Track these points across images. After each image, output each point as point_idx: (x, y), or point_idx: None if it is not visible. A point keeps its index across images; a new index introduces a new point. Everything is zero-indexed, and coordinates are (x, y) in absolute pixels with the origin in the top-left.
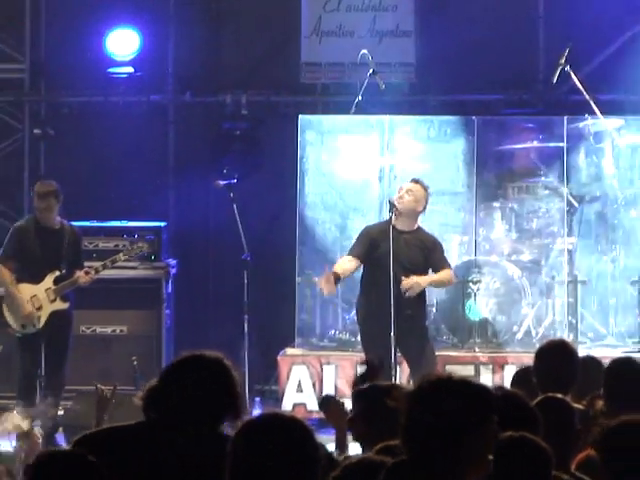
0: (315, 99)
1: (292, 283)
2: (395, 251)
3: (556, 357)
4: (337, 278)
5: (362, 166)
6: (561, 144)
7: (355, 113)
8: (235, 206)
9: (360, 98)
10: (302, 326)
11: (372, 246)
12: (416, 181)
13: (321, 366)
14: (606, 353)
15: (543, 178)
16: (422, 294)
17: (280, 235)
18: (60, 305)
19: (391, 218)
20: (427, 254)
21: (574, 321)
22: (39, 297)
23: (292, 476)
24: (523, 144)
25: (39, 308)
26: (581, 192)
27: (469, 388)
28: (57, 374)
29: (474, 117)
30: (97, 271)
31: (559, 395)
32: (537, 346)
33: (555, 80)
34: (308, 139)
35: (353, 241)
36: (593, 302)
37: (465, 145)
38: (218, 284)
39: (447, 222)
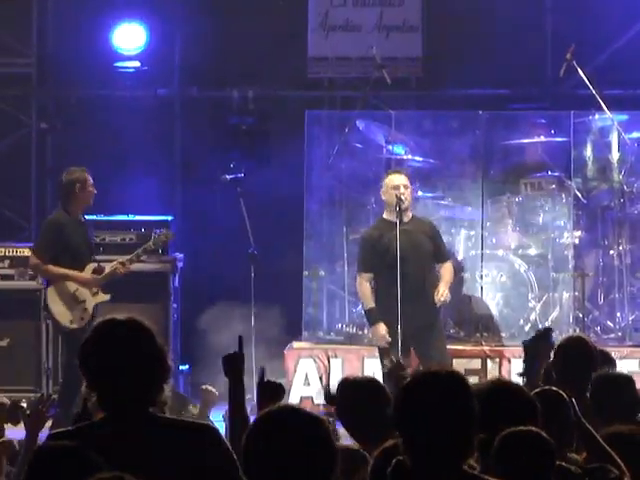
0: (322, 94)
1: (299, 277)
2: (402, 247)
3: (576, 353)
4: (378, 315)
5: (369, 160)
6: (568, 139)
7: (362, 108)
8: (242, 200)
9: (367, 93)
10: (309, 320)
11: (378, 252)
12: (399, 172)
13: (328, 359)
14: (613, 347)
15: (550, 172)
16: (433, 292)
17: (287, 229)
18: (103, 297)
19: (397, 215)
20: (433, 240)
21: (580, 315)
22: (82, 290)
23: (311, 471)
24: (530, 139)
25: (83, 301)
26: (587, 186)
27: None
28: None
29: (481, 112)
30: (132, 262)
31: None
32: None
33: (562, 75)
34: (315, 134)
35: (360, 255)
36: (599, 296)
37: (472, 140)
38: (225, 278)
39: (454, 216)
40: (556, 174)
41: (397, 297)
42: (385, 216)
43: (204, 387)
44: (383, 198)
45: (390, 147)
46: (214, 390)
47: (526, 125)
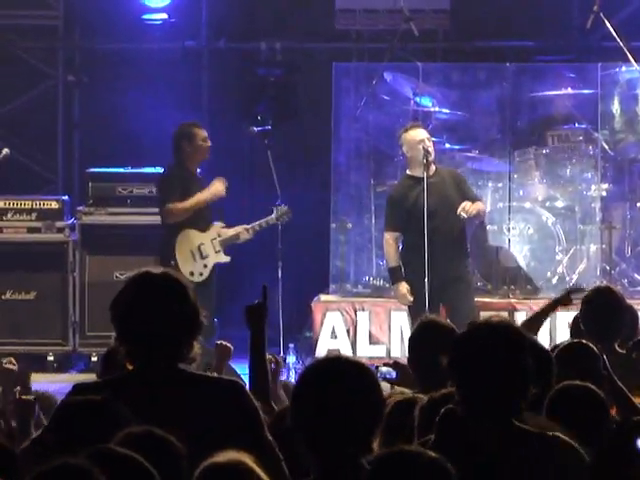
0: (349, 46)
1: (326, 229)
2: (429, 201)
3: (603, 305)
4: (401, 274)
5: (396, 112)
6: (595, 91)
7: (389, 60)
8: (269, 153)
9: (394, 45)
10: (336, 272)
11: (406, 209)
12: (419, 125)
13: (355, 312)
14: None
15: (577, 125)
16: (464, 246)
17: (314, 181)
18: (224, 258)
19: (425, 168)
20: (459, 188)
21: (608, 267)
22: (207, 246)
23: (360, 420)
24: (557, 91)
25: (206, 257)
26: (614, 138)
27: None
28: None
29: (508, 64)
30: (254, 230)
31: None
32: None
33: (589, 27)
34: (342, 86)
35: (386, 214)
36: (627, 248)
37: (499, 92)
38: None
39: (481, 168)
40: (583, 126)
41: (425, 252)
42: (409, 172)
43: (218, 342)
44: (408, 155)
45: (417, 99)
46: (229, 344)
47: (553, 77)
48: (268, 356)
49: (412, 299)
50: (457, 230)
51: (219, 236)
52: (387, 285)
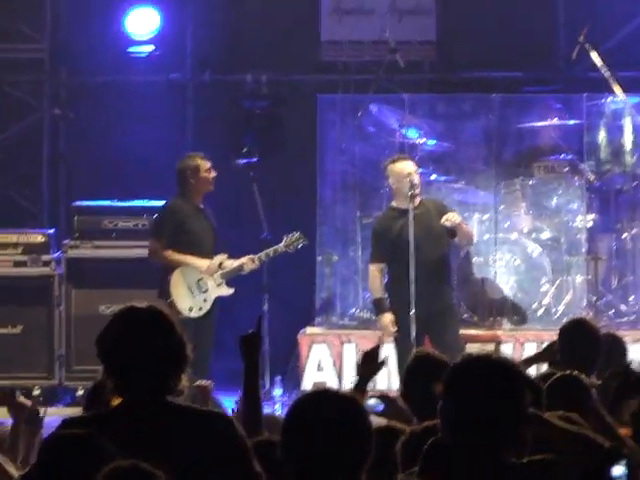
0: (335, 78)
1: (312, 262)
2: (414, 233)
3: (579, 336)
4: (385, 305)
5: (382, 144)
6: (581, 121)
7: (375, 92)
8: (255, 185)
9: (380, 76)
10: (322, 305)
11: (390, 241)
12: (406, 158)
13: (341, 344)
14: (626, 331)
15: (563, 155)
16: (449, 277)
17: (300, 214)
18: (227, 290)
19: (410, 200)
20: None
21: (594, 299)
22: (206, 279)
23: (349, 451)
24: (543, 122)
25: (206, 291)
26: (600, 169)
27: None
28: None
29: (494, 95)
30: (260, 260)
31: (575, 372)
32: (557, 324)
33: (575, 57)
34: (328, 118)
35: (371, 245)
36: (613, 279)
37: (485, 123)
38: None
39: (467, 200)
40: (569, 157)
41: (410, 284)
42: (395, 204)
43: (196, 383)
44: (394, 186)
45: (403, 131)
46: (207, 383)
47: (539, 108)
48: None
49: (396, 330)
50: (442, 261)
51: (221, 268)
52: (374, 317)
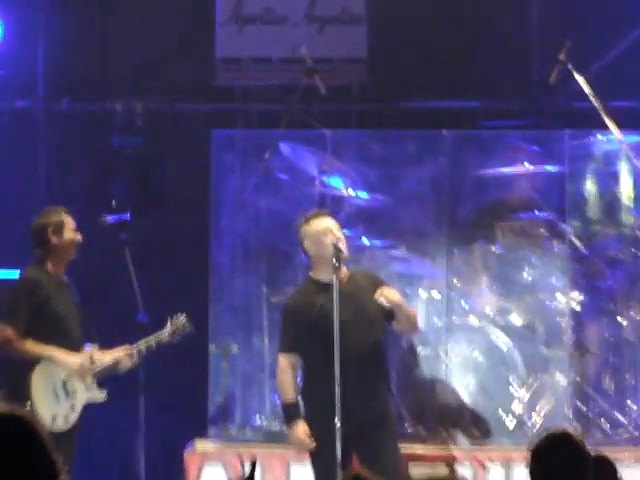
0: (234, 107)
1: (204, 353)
2: (341, 317)
3: (558, 458)
4: (299, 412)
5: (297, 196)
6: (561, 167)
7: (287, 126)
8: (127, 250)
9: (294, 106)
10: (216, 412)
11: (307, 325)
12: (323, 214)
13: (242, 466)
14: (624, 447)
15: (538, 213)
16: (386, 375)
17: (188, 289)
18: (98, 396)
19: (334, 270)
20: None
21: (582, 406)
22: (74, 382)
23: None
24: (511, 168)
25: (74, 394)
26: (588, 231)
27: None
28: None
29: (445, 131)
30: (140, 353)
31: None
32: (532, 439)
33: (553, 82)
34: (225, 160)
35: (282, 330)
36: (606, 380)
37: (433, 169)
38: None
39: (410, 272)
40: (546, 215)
41: (334, 384)
42: (313, 275)
43: None
44: (310, 253)
45: (325, 179)
46: None
47: (505, 149)
48: None
49: (312, 445)
50: (377, 353)
51: (92, 365)
52: (285, 429)
